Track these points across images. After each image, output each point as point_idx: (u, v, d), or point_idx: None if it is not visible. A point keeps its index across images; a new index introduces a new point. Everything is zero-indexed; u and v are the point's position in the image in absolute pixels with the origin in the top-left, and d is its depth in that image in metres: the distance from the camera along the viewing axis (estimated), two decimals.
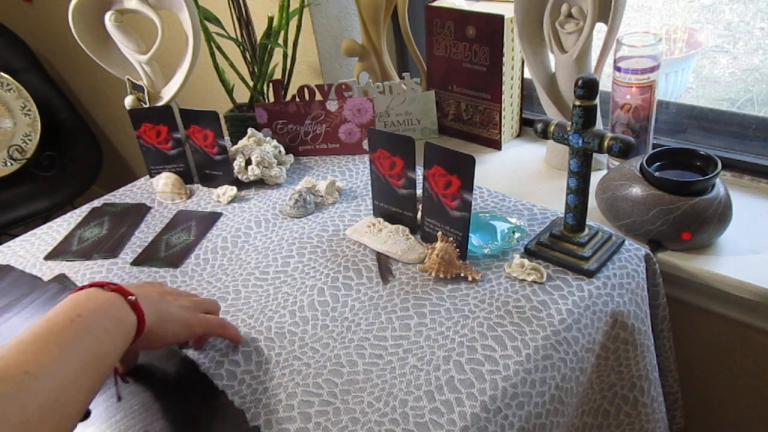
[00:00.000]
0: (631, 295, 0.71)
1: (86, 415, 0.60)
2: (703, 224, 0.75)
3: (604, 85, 0.94)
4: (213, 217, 0.92)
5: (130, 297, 0.55)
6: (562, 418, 0.63)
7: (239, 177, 0.98)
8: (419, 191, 0.80)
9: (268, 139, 1.02)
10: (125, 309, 0.54)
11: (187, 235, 0.88)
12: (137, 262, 0.84)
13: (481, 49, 1.02)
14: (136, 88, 1.02)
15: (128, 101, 1.02)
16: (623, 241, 0.76)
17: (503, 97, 1.04)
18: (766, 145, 0.92)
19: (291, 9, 1.05)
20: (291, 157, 1.04)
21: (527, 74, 1.04)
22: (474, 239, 0.76)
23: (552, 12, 0.89)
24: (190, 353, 0.66)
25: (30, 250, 0.90)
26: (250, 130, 1.02)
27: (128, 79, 1.03)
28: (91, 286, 0.55)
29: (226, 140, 1.04)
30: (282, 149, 1.02)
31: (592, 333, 0.67)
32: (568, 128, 0.67)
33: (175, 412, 0.60)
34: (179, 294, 0.66)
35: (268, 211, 0.92)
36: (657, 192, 0.76)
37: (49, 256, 0.87)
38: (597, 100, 0.66)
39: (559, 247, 0.74)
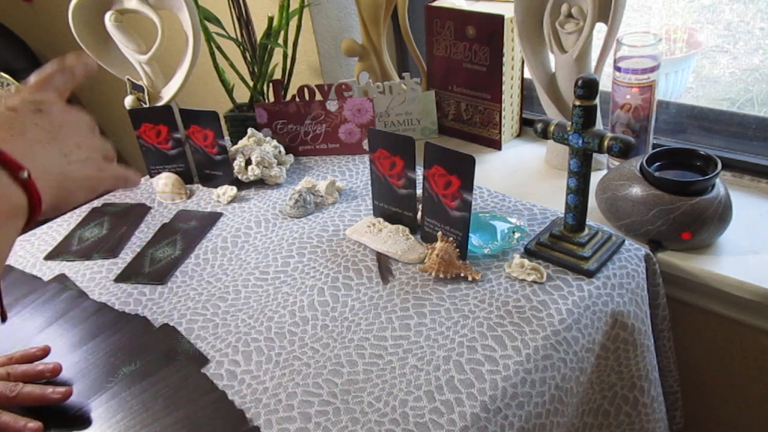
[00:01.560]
0: (631, 295, 0.71)
1: (88, 422, 0.60)
2: (703, 224, 0.75)
3: (604, 85, 0.94)
4: (213, 217, 0.92)
5: (21, 173, 0.40)
6: (562, 418, 0.63)
7: (239, 177, 0.98)
8: (419, 191, 0.80)
9: (268, 139, 1.02)
10: (14, 191, 0.40)
11: (173, 250, 0.87)
12: (121, 278, 0.81)
13: (481, 49, 1.02)
14: (136, 88, 1.02)
15: (128, 101, 1.02)
16: (623, 241, 0.76)
17: (503, 97, 1.04)
18: (766, 145, 0.92)
19: (291, 9, 1.05)
20: (291, 157, 1.04)
21: (527, 74, 1.04)
22: (474, 239, 0.76)
23: (552, 12, 0.89)
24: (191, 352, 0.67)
25: (30, 250, 0.90)
26: (250, 130, 1.02)
27: (128, 79, 1.03)
28: None
29: (226, 140, 1.04)
30: (282, 149, 1.02)
31: (592, 333, 0.67)
32: (568, 128, 0.67)
33: (175, 413, 0.60)
34: (79, 132, 0.47)
35: (268, 211, 0.92)
36: (657, 192, 0.76)
37: (49, 256, 0.87)
38: (597, 100, 0.66)
39: (559, 247, 0.74)
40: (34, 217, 0.42)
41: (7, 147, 0.40)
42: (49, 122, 0.44)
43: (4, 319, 0.51)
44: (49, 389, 0.61)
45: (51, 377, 0.63)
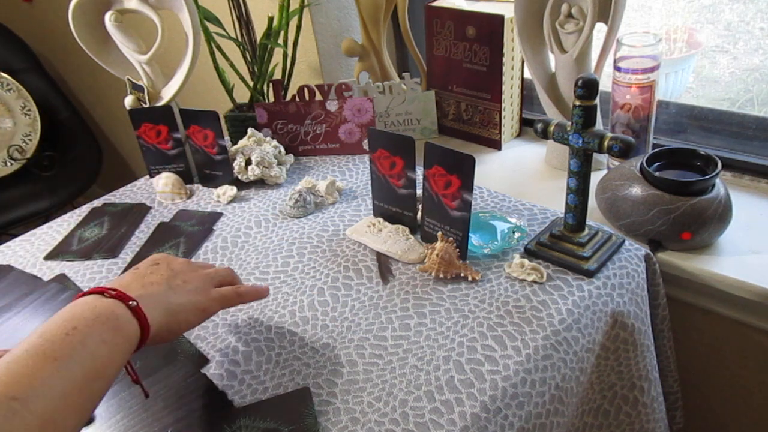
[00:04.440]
0: (631, 295, 0.71)
1: (90, 420, 0.60)
2: (703, 224, 0.75)
3: (604, 85, 0.94)
4: (213, 217, 0.92)
5: (131, 303, 0.52)
6: (562, 418, 0.63)
7: (239, 177, 0.98)
8: (419, 191, 0.80)
9: (268, 139, 1.02)
10: (126, 317, 0.51)
11: (175, 253, 0.88)
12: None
13: (481, 49, 1.02)
14: (136, 88, 1.02)
15: (128, 101, 1.02)
16: (623, 241, 0.76)
17: (503, 97, 1.04)
18: (766, 145, 0.92)
19: (291, 9, 1.05)
20: (291, 157, 1.04)
21: (527, 74, 1.04)
22: (474, 239, 0.76)
23: (552, 12, 0.89)
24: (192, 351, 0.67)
25: (30, 250, 0.90)
26: (250, 130, 1.02)
27: (128, 79, 1.03)
28: (90, 293, 0.52)
29: (226, 140, 1.04)
30: (282, 149, 1.02)
31: (592, 333, 0.67)
32: (568, 128, 0.67)
33: (175, 413, 0.60)
34: (189, 271, 0.61)
35: (268, 211, 0.92)
36: (657, 192, 0.76)
37: (49, 256, 0.87)
38: (597, 100, 0.66)
39: (559, 247, 0.74)
40: (145, 338, 0.53)
41: (126, 290, 0.54)
42: (163, 269, 0.60)
43: (147, 396, 0.60)
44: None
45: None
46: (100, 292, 0.52)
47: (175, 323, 0.56)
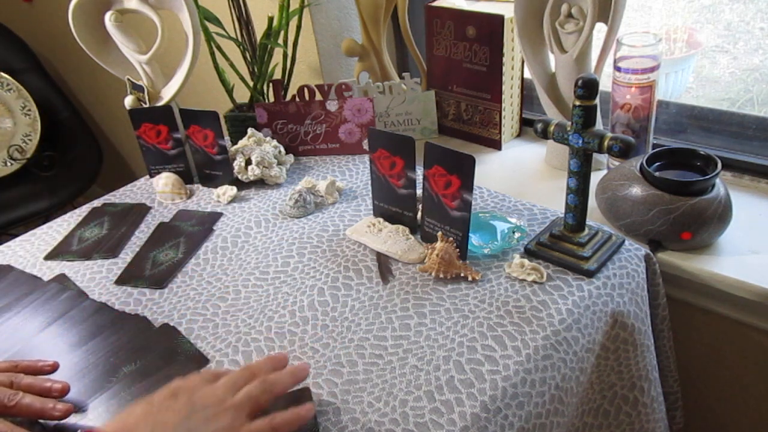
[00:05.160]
0: (631, 295, 0.71)
1: (88, 421, 0.60)
2: (703, 224, 0.75)
3: (604, 85, 0.94)
4: (213, 217, 0.92)
5: None
6: (562, 418, 0.63)
7: (239, 177, 0.98)
8: (419, 191, 0.80)
9: (268, 139, 1.02)
10: None
11: (175, 253, 0.87)
12: (121, 281, 0.81)
13: (481, 49, 1.02)
14: (136, 88, 1.02)
15: (128, 101, 1.02)
16: (623, 241, 0.76)
17: (503, 97, 1.04)
18: (766, 145, 0.92)
19: (291, 9, 1.05)
20: (291, 157, 1.04)
21: (527, 74, 1.05)
22: (474, 239, 0.76)
23: (552, 12, 0.89)
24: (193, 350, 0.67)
25: (30, 250, 0.90)
26: (250, 130, 1.02)
27: (128, 79, 1.03)
28: None
29: (226, 140, 1.04)
30: (282, 149, 1.02)
31: (592, 333, 0.67)
32: (568, 128, 0.67)
33: None
34: (216, 403, 0.49)
35: (268, 211, 0.92)
36: (657, 192, 0.76)
37: (49, 256, 0.87)
38: (597, 100, 0.66)
39: (559, 247, 0.74)
40: None
41: None
42: (181, 403, 0.48)
43: None
44: (50, 404, 0.58)
45: (58, 397, 0.60)
46: None
47: None
